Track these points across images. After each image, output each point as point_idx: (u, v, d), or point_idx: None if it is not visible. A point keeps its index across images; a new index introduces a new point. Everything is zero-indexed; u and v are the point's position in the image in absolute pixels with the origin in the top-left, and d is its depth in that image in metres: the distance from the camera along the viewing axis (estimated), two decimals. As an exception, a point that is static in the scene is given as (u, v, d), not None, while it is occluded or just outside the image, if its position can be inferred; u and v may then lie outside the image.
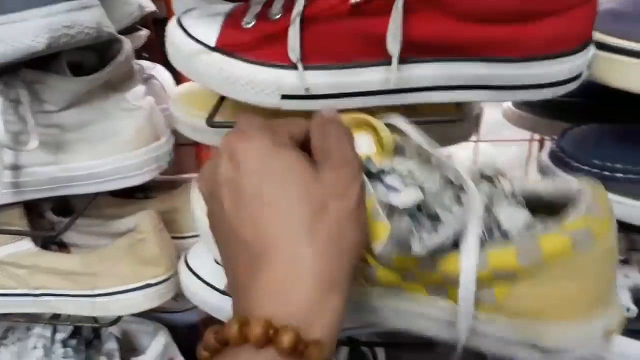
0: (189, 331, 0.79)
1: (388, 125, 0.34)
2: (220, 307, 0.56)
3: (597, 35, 0.42)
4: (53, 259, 0.59)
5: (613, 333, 0.31)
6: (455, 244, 0.30)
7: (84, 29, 0.44)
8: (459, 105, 0.42)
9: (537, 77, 0.38)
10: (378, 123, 0.33)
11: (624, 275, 0.55)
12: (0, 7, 0.42)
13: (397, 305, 0.34)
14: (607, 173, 0.48)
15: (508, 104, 0.64)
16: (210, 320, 0.85)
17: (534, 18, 0.36)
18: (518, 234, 0.31)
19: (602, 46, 0.43)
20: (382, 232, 0.30)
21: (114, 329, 0.66)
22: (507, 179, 0.33)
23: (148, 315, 0.68)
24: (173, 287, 0.59)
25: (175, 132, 0.59)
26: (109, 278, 0.57)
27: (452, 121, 0.41)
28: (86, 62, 0.52)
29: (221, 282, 0.57)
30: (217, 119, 0.45)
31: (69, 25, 0.43)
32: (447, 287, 0.31)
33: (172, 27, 0.44)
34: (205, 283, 0.57)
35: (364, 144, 0.34)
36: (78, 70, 0.51)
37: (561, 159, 0.50)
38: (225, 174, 0.27)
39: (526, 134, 0.80)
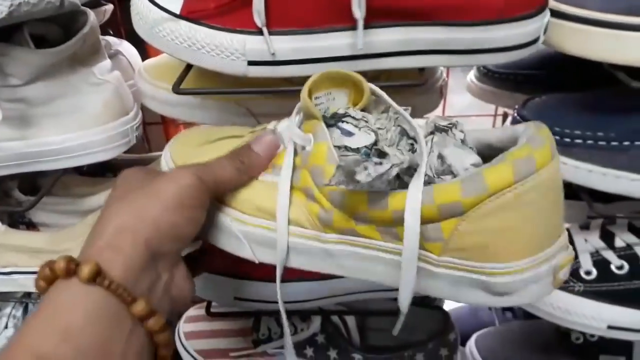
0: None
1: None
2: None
3: (553, 4, 0.44)
4: (21, 236, 0.59)
5: (561, 272, 0.32)
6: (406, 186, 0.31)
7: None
8: (421, 71, 0.43)
9: (494, 41, 0.40)
10: (357, 76, 0.35)
11: (585, 240, 0.57)
12: (-41, -24, 0.42)
13: (353, 250, 0.34)
14: (567, 139, 0.50)
15: (471, 78, 0.66)
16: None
17: (491, -18, 0.37)
18: (465, 171, 0.32)
19: (557, 14, 0.44)
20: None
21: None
22: (460, 129, 0.34)
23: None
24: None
25: (143, 111, 0.59)
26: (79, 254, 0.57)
27: (415, 85, 0.42)
28: (50, 35, 0.52)
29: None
30: (184, 87, 0.45)
31: (31, -6, 0.43)
32: (397, 227, 0.32)
33: (136, -4, 0.44)
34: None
35: (340, 99, 0.36)
36: (42, 43, 0.51)
37: (522, 127, 0.51)
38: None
39: (491, 111, 0.82)
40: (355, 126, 0.33)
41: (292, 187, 0.35)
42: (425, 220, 0.30)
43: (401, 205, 0.30)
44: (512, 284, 0.31)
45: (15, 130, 0.52)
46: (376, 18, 0.38)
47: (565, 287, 0.54)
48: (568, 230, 0.58)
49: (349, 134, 0.33)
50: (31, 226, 0.64)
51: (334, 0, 0.38)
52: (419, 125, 0.32)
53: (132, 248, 0.30)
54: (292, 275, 0.50)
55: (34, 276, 0.57)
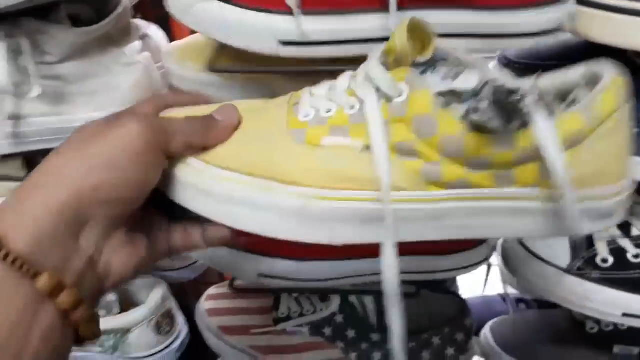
0: (182, 289, 0.81)
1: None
2: (216, 255, 0.57)
3: (579, -9, 0.45)
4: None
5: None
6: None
7: (86, -22, 0.46)
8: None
9: (521, 26, 0.41)
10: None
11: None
12: (4, -46, 0.43)
13: (463, 205, 0.32)
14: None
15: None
16: (202, 278, 0.87)
17: (520, -32, 0.38)
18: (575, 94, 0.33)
19: (584, 2, 0.45)
20: (449, 122, 0.30)
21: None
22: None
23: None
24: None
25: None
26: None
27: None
28: (84, 15, 0.53)
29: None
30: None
31: (72, -27, 0.45)
32: (515, 169, 0.31)
33: (172, -23, 0.45)
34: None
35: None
36: (76, 24, 0.52)
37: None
38: None
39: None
40: (451, 69, 0.32)
41: None
42: None
43: (529, 142, 0.29)
44: (615, 205, 0.33)
45: (50, 106, 0.53)
46: (408, 2, 0.39)
47: (581, 274, 0.55)
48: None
49: (450, 77, 0.31)
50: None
51: (366, -18, 0.39)
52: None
53: (41, 212, 0.26)
54: (312, 254, 0.52)
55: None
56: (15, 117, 0.53)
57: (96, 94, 0.54)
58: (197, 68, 0.54)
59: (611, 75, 0.31)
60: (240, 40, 0.43)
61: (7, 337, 0.24)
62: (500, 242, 0.63)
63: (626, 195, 0.33)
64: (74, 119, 0.54)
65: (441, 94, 0.30)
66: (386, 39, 0.41)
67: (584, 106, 0.30)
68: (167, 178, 0.33)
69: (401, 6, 0.39)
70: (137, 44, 0.56)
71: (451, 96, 0.31)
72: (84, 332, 0.28)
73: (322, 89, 0.36)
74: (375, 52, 0.33)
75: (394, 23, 0.39)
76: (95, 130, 0.30)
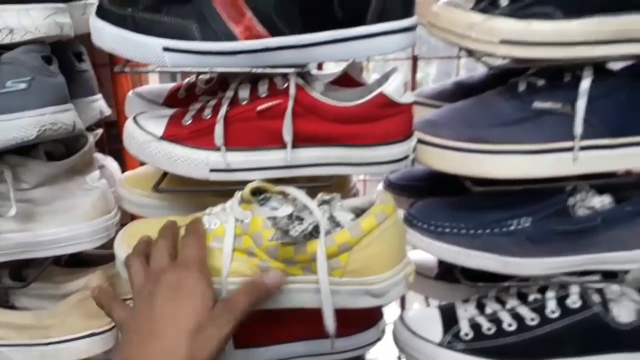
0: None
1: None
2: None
3: (419, 134, 0.64)
4: (8, 314, 0.70)
5: (410, 277, 0.52)
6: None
7: (64, 126, 0.61)
8: (330, 177, 0.62)
9: (379, 157, 0.59)
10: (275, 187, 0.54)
11: (464, 310, 0.74)
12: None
13: (284, 286, 0.51)
14: (439, 229, 0.68)
15: (380, 187, 0.86)
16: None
17: (374, 120, 0.57)
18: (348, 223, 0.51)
19: (422, 141, 0.65)
20: (270, 232, 0.49)
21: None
22: (337, 200, 0.53)
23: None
24: (115, 336, 0.72)
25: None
26: (60, 329, 0.69)
27: (325, 186, 0.60)
28: (57, 151, 0.68)
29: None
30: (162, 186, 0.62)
31: (54, 123, 0.60)
32: (312, 264, 0.49)
33: (129, 123, 0.61)
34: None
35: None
36: (49, 158, 0.66)
37: (410, 221, 0.70)
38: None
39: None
40: (278, 203, 0.52)
41: (235, 250, 0.51)
42: (330, 256, 0.49)
43: (315, 249, 0.48)
44: (384, 288, 0.50)
45: (21, 224, 0.65)
46: (300, 141, 0.57)
47: (450, 346, 0.69)
48: (454, 304, 0.75)
49: (275, 209, 0.51)
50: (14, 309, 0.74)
51: (270, 130, 0.57)
52: (312, 201, 0.51)
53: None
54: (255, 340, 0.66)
55: (17, 348, 0.68)
56: (-10, 234, 0.64)
57: (60, 213, 0.67)
58: (143, 194, 0.69)
59: (377, 203, 0.52)
60: (181, 169, 0.59)
61: None
62: (391, 326, 0.77)
63: (395, 280, 0.52)
64: (40, 234, 0.66)
65: (268, 219, 0.50)
66: (285, 167, 0.59)
67: (352, 226, 0.50)
68: None
69: (295, 145, 0.57)
70: (96, 173, 0.70)
71: (273, 220, 0.50)
72: None
73: (218, 208, 0.55)
74: (237, 193, 0.54)
75: (290, 157, 0.57)
76: (176, 286, 0.46)
